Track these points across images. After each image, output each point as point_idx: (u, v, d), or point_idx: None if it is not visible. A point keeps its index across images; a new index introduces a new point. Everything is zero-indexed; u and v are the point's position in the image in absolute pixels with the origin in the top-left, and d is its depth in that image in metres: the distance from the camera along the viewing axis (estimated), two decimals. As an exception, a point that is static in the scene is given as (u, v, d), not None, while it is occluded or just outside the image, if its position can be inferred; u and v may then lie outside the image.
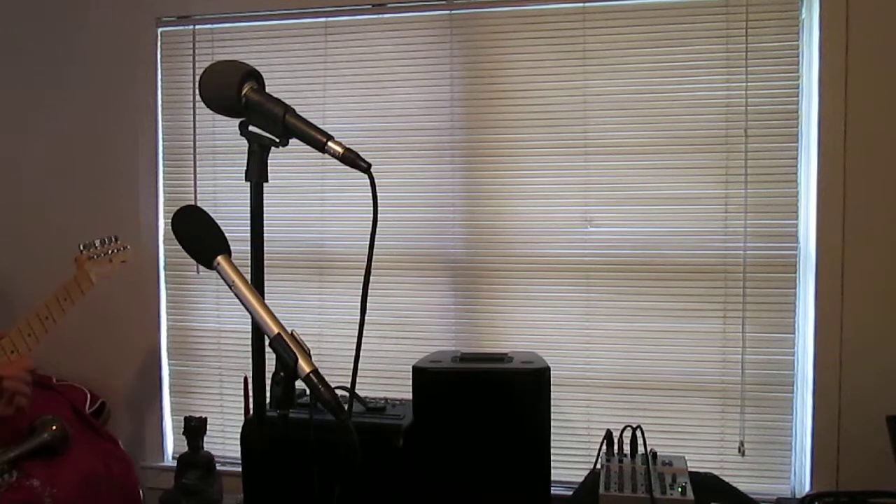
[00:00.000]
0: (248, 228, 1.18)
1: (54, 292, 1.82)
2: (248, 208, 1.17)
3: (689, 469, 2.06)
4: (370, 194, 1.12)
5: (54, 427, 2.09)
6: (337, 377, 1.25)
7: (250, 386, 1.20)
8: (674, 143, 2.39)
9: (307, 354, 1.02)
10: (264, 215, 1.18)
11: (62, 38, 2.82)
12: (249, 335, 1.16)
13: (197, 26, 2.73)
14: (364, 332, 1.20)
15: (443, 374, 2.10)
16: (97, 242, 2.15)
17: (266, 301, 1.08)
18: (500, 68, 2.51)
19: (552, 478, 2.09)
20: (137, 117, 2.76)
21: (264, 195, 1.18)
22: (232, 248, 1.12)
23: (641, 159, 2.41)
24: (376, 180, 1.12)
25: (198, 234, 1.13)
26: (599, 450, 2.15)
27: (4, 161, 2.90)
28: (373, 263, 1.17)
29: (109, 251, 2.18)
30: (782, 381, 2.36)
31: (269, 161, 1.16)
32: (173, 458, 2.80)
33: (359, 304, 1.19)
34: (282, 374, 1.02)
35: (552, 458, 2.08)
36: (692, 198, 2.39)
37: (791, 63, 2.31)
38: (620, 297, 2.45)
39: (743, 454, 2.38)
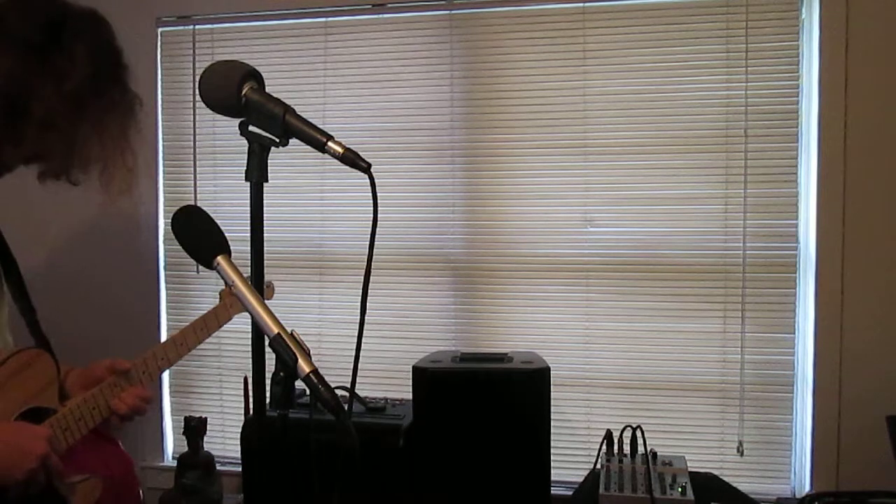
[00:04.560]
0: (248, 228, 1.18)
1: (193, 323, 1.87)
2: (248, 208, 1.17)
3: (689, 469, 2.06)
4: (370, 194, 1.12)
5: (54, 427, 2.09)
6: (337, 377, 1.25)
7: (250, 386, 1.20)
8: (674, 143, 2.39)
9: (307, 354, 1.02)
10: (264, 215, 1.18)
11: (62, 38, 2.82)
12: (249, 335, 1.16)
13: (197, 26, 2.73)
14: (364, 332, 1.20)
15: (443, 374, 2.10)
16: None
17: (266, 301, 1.08)
18: (500, 68, 2.51)
19: (552, 478, 2.09)
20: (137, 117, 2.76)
21: (264, 195, 1.18)
22: (232, 248, 1.12)
23: (641, 159, 2.41)
24: (376, 180, 1.12)
25: (197, 234, 1.13)
26: (599, 450, 2.16)
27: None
28: (373, 263, 1.17)
29: None
30: (782, 381, 2.36)
31: (269, 161, 1.16)
32: (173, 458, 2.80)
33: (359, 304, 1.19)
34: (282, 374, 1.02)
35: (552, 458, 2.08)
36: (692, 198, 2.39)
37: (791, 63, 2.31)
38: (620, 297, 2.45)
39: (742, 454, 2.38)
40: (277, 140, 1.14)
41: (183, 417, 2.47)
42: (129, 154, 1.55)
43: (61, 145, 1.44)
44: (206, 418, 2.46)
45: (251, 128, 1.15)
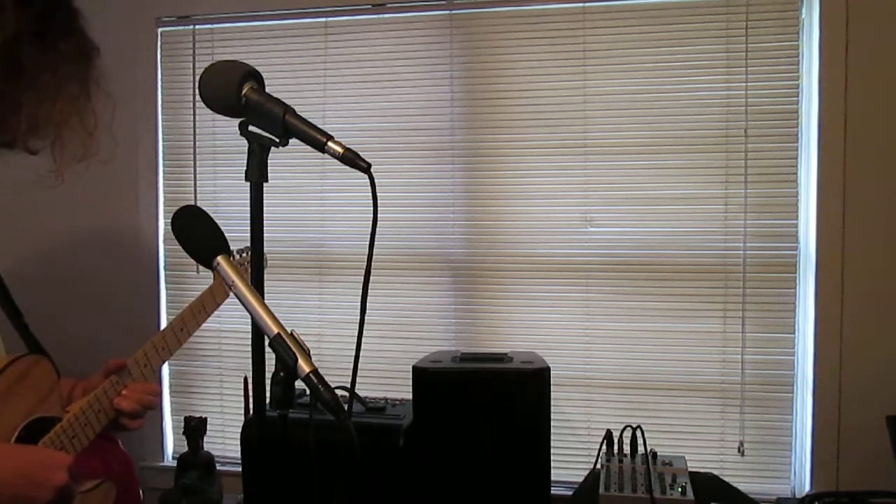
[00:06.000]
0: (248, 228, 1.18)
1: (191, 305, 1.74)
2: (248, 208, 1.17)
3: (689, 469, 2.06)
4: (370, 194, 1.12)
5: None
6: (337, 377, 1.25)
7: (250, 386, 1.20)
8: (674, 143, 2.39)
9: (307, 354, 1.02)
10: (264, 215, 1.18)
11: (62, 38, 2.82)
12: (249, 335, 1.16)
13: (197, 26, 2.73)
14: (364, 331, 1.20)
15: (443, 374, 2.10)
16: (235, 254, 1.87)
17: (266, 301, 1.08)
18: (500, 68, 2.51)
19: (552, 478, 2.09)
20: (137, 117, 2.76)
21: (264, 195, 1.18)
22: (232, 248, 1.12)
23: (641, 159, 2.41)
24: (376, 180, 1.12)
25: (197, 234, 1.13)
26: (599, 450, 2.16)
27: (3, 162, 2.89)
28: (373, 263, 1.17)
29: (245, 263, 1.96)
30: (782, 381, 2.36)
31: (269, 161, 1.16)
32: (173, 458, 2.80)
33: (359, 304, 1.19)
34: (282, 374, 1.02)
35: (552, 458, 2.08)
36: (692, 198, 2.39)
37: (791, 63, 2.31)
38: (620, 297, 2.45)
39: (743, 454, 2.38)
40: (277, 140, 1.13)
41: (183, 417, 2.47)
42: (88, 115, 1.39)
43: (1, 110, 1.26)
44: (206, 418, 2.46)
45: (251, 128, 1.15)
